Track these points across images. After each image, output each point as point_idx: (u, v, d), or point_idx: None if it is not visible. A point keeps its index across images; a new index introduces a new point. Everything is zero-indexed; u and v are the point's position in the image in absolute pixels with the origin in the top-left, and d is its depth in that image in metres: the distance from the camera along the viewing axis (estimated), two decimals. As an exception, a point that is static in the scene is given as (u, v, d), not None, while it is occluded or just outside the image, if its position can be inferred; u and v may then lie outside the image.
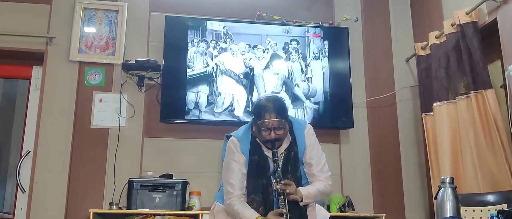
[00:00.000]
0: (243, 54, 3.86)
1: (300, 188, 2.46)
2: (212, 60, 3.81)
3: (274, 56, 3.91)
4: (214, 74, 3.79)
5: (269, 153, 2.52)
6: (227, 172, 2.54)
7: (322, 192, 2.53)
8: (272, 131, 2.43)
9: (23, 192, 3.61)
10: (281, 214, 2.36)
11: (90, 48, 3.81)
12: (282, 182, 2.40)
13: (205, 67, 3.79)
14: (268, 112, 2.44)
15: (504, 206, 2.61)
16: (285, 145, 2.54)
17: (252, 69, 3.84)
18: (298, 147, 2.56)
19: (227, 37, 3.87)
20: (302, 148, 2.57)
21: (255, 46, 3.89)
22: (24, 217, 3.51)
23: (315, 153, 2.59)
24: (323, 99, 3.90)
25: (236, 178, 2.50)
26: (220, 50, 3.83)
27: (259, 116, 2.47)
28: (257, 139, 2.54)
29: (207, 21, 3.88)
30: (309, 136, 2.61)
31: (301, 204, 2.43)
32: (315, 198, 2.50)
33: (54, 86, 3.72)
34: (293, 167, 2.53)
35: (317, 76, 3.93)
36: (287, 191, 2.38)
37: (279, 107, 2.47)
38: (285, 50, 3.93)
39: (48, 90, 3.70)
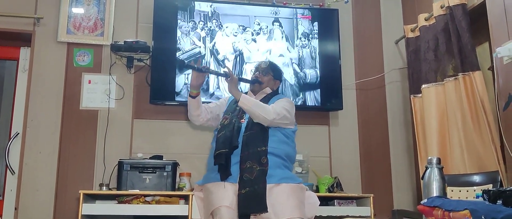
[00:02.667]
0: (235, 36, 3.85)
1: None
2: (201, 41, 3.79)
3: (262, 38, 3.90)
4: (203, 56, 3.78)
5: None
6: None
7: (263, 107, 2.83)
8: (257, 71, 3.10)
9: (12, 174, 3.61)
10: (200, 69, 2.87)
11: (78, 29, 3.77)
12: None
13: (195, 48, 3.77)
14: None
15: (490, 186, 2.65)
16: (259, 97, 3.01)
17: (240, 51, 3.83)
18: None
19: (214, 18, 3.85)
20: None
21: (244, 28, 3.87)
22: (14, 199, 3.51)
23: (276, 103, 2.93)
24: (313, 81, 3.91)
25: (213, 104, 3.15)
26: (208, 31, 3.82)
27: None
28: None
29: (195, 2, 3.85)
30: (279, 100, 2.98)
31: (238, 102, 2.83)
32: (253, 103, 2.83)
33: (42, 67, 3.69)
34: None
35: (306, 58, 3.93)
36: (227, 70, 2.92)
37: (270, 62, 3.19)
38: (273, 31, 3.92)
39: (37, 72, 3.67)
